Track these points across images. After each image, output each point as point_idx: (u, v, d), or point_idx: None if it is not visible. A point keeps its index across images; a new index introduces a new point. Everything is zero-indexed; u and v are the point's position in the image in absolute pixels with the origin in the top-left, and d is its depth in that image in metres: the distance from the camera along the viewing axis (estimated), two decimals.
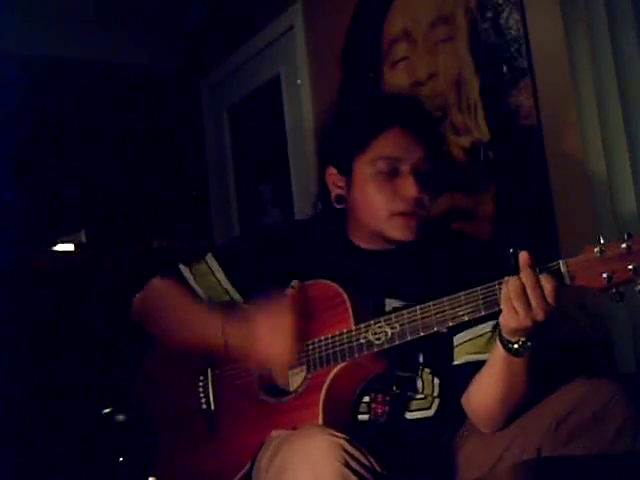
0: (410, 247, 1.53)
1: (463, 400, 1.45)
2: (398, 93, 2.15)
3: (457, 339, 1.48)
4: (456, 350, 1.48)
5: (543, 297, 1.22)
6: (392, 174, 1.48)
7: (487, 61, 2.30)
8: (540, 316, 1.22)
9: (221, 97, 3.88)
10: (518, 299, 1.22)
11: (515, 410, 1.38)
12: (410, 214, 1.48)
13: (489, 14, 2.28)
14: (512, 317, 1.24)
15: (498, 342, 1.32)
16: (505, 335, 1.29)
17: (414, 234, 1.49)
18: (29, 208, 3.32)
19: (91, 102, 3.63)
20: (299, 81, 3.20)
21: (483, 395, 1.40)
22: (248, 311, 1.49)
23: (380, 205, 1.48)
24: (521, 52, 2.18)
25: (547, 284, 1.22)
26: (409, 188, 1.46)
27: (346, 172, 1.53)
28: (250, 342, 1.42)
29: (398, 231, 1.49)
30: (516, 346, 1.29)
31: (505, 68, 2.23)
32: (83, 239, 3.02)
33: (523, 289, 1.22)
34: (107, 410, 1.65)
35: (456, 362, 1.48)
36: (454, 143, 2.39)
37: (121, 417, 1.66)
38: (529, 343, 1.28)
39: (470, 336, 1.46)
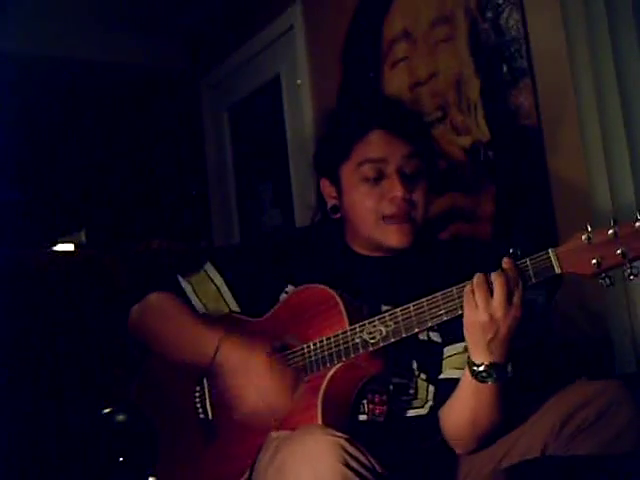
0: (409, 254, 1.52)
1: (439, 416, 1.44)
2: (379, 96, 2.14)
3: (446, 351, 1.47)
4: (443, 363, 1.47)
5: (507, 295, 1.23)
6: (378, 178, 1.46)
7: (487, 61, 2.30)
8: (498, 312, 1.22)
9: (221, 97, 3.88)
10: (479, 289, 1.24)
11: (487, 434, 1.37)
12: (401, 219, 1.46)
13: (489, 14, 2.28)
14: (471, 310, 1.25)
15: (466, 367, 1.32)
16: (469, 343, 1.29)
17: (409, 240, 1.47)
18: (29, 208, 3.32)
19: (91, 102, 3.63)
20: (299, 81, 3.20)
21: (453, 416, 1.40)
22: (251, 345, 1.45)
23: (369, 210, 1.46)
24: (521, 52, 2.18)
25: (517, 292, 1.23)
26: (395, 189, 1.44)
27: (335, 181, 1.53)
28: (242, 375, 1.41)
29: (392, 238, 1.47)
30: (482, 368, 1.28)
31: (505, 68, 2.23)
32: (83, 239, 3.03)
33: (486, 282, 1.24)
34: (107, 410, 1.65)
35: (440, 376, 1.47)
36: (454, 143, 2.39)
37: (121, 417, 1.65)
38: (494, 373, 1.27)
39: (455, 351, 1.45)
